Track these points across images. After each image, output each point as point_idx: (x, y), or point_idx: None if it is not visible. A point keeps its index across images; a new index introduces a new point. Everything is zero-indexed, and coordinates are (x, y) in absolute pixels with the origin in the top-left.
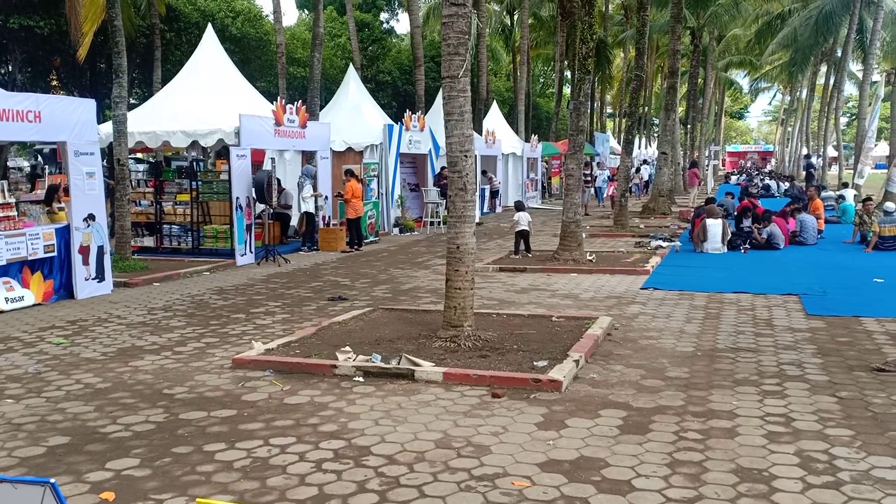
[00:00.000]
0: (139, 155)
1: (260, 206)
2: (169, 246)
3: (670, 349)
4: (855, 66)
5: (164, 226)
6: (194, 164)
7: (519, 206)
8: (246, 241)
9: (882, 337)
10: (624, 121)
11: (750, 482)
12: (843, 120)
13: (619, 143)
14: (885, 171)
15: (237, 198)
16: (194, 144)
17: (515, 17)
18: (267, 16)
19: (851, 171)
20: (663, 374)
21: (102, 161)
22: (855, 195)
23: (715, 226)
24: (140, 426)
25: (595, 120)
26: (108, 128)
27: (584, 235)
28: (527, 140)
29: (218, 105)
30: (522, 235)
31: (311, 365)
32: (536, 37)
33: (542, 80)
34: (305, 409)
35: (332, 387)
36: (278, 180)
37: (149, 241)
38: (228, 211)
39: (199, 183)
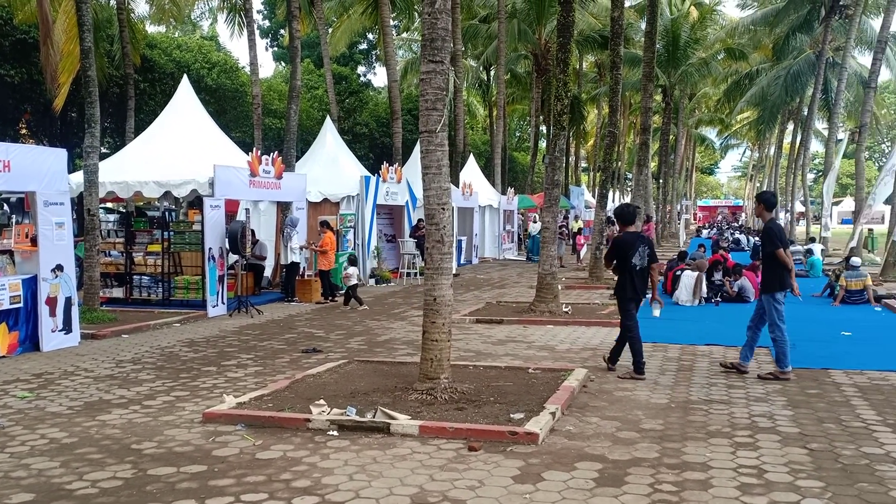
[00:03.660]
0: (109, 205)
1: (233, 257)
2: (139, 297)
3: (645, 401)
4: (821, 125)
5: (134, 276)
6: (166, 214)
7: (352, 261)
8: (218, 292)
9: (851, 389)
10: (598, 175)
11: None
12: (810, 176)
13: (593, 196)
14: (851, 226)
15: (210, 248)
16: (167, 195)
17: (492, 73)
18: (243, 67)
19: (818, 226)
20: (638, 425)
21: (72, 212)
22: (822, 249)
23: (688, 276)
24: (107, 482)
25: (570, 173)
26: (78, 177)
27: (559, 287)
28: (503, 192)
29: (192, 155)
30: (353, 289)
31: (284, 419)
32: (512, 92)
33: (518, 134)
34: (278, 464)
35: (305, 441)
36: (252, 231)
37: (118, 293)
38: (200, 261)
39: (171, 233)
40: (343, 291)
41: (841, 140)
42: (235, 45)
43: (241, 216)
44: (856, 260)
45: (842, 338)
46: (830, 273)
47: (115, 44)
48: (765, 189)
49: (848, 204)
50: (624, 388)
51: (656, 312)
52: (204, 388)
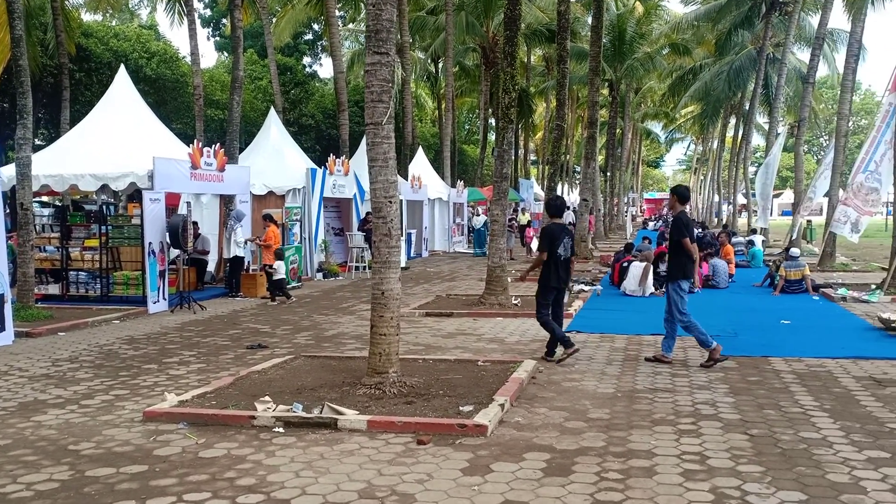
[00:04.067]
0: (44, 199)
1: (174, 252)
2: (76, 293)
3: (592, 391)
4: (762, 119)
5: (71, 272)
6: (104, 208)
7: (279, 255)
8: (159, 288)
9: (789, 376)
10: (547, 168)
11: None
12: (752, 169)
13: (542, 189)
14: (791, 217)
15: (150, 243)
16: (104, 188)
17: (440, 66)
18: (184, 57)
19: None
20: (585, 415)
21: (4, 205)
22: (763, 240)
23: (636, 267)
24: (43, 485)
25: (519, 166)
26: (10, 170)
27: (509, 280)
28: (453, 185)
29: (130, 147)
30: (278, 284)
31: (227, 416)
32: (461, 85)
33: (467, 127)
34: (222, 462)
35: (250, 438)
36: (195, 224)
37: (54, 289)
38: (140, 256)
39: (109, 227)
40: (289, 286)
41: (780, 133)
42: (176, 35)
43: (182, 209)
44: (795, 251)
45: (781, 326)
46: (771, 263)
47: (48, 32)
48: (680, 184)
49: (788, 196)
50: (572, 378)
51: (566, 299)
52: (144, 387)
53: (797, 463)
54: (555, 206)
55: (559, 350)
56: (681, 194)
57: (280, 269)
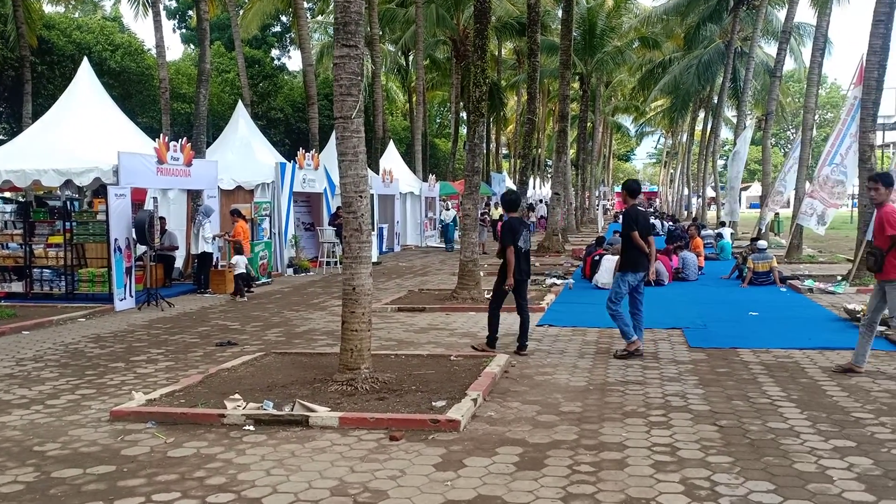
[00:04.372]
0: (7, 194)
1: (141, 248)
2: (40, 291)
3: (564, 384)
4: (730, 112)
5: (35, 270)
6: (68, 203)
7: (238, 251)
8: (126, 285)
9: (758, 367)
10: (519, 161)
11: None
12: (721, 162)
13: (514, 183)
14: (759, 210)
15: (116, 239)
16: (68, 183)
17: (411, 58)
18: (149, 50)
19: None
20: (558, 409)
21: None
22: (732, 233)
23: (610, 261)
24: (7, 487)
25: (491, 160)
26: None
27: (481, 273)
28: (424, 179)
29: (94, 142)
30: (242, 278)
31: (197, 415)
32: (432, 78)
33: (438, 121)
34: (191, 461)
35: (220, 437)
36: (162, 220)
37: (17, 287)
38: (106, 253)
39: (74, 224)
40: (259, 282)
41: (748, 127)
42: (140, 27)
43: (148, 205)
44: (762, 243)
45: (749, 318)
46: (738, 255)
47: (8, 24)
48: (630, 178)
49: (756, 189)
50: (544, 372)
51: (510, 282)
52: (111, 386)
53: (765, 453)
54: (510, 200)
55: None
56: (630, 189)
57: (239, 264)
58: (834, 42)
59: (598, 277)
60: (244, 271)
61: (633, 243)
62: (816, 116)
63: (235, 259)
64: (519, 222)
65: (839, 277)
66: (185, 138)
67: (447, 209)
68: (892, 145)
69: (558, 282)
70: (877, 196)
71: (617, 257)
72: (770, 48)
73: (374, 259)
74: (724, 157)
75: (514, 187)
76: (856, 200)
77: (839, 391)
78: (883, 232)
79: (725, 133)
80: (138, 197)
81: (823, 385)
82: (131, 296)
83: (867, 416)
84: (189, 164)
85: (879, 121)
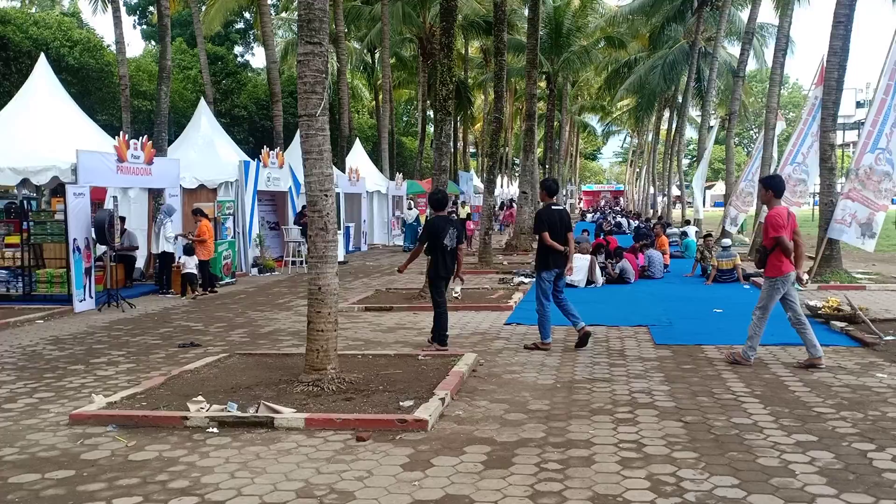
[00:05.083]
0: None
1: (101, 248)
2: None
3: (532, 382)
4: (695, 112)
5: None
6: (25, 202)
7: (188, 250)
8: (85, 286)
9: (722, 363)
10: (486, 160)
11: None
12: (685, 161)
13: (482, 181)
14: (723, 209)
15: (74, 239)
16: (25, 182)
17: (377, 56)
18: (108, 46)
19: (693, 209)
20: (526, 407)
21: None
22: (696, 231)
23: (580, 259)
24: None
25: (459, 159)
26: None
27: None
28: (391, 178)
29: (52, 139)
30: (188, 278)
31: (159, 417)
32: (399, 76)
33: (405, 119)
34: (153, 465)
35: (182, 440)
36: (122, 219)
37: None
38: (65, 253)
39: (31, 223)
40: (223, 282)
41: (713, 126)
42: (100, 22)
43: (108, 204)
44: (726, 241)
45: (714, 315)
46: (697, 252)
47: None
48: (548, 177)
49: (720, 188)
50: (512, 370)
51: (457, 290)
52: (71, 389)
53: (729, 448)
54: (436, 199)
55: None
56: (548, 188)
57: (188, 264)
58: (796, 42)
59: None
60: (193, 271)
61: (544, 243)
62: (779, 117)
63: (184, 259)
64: (445, 221)
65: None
66: (145, 136)
67: (409, 208)
68: (851, 144)
69: (526, 280)
70: (763, 198)
71: (588, 257)
72: (733, 48)
73: (341, 258)
74: (689, 157)
75: (481, 186)
76: (817, 199)
77: (801, 386)
78: (767, 234)
79: (690, 132)
80: (98, 196)
81: (786, 380)
82: (91, 297)
83: (828, 411)
84: (150, 162)
85: (839, 120)
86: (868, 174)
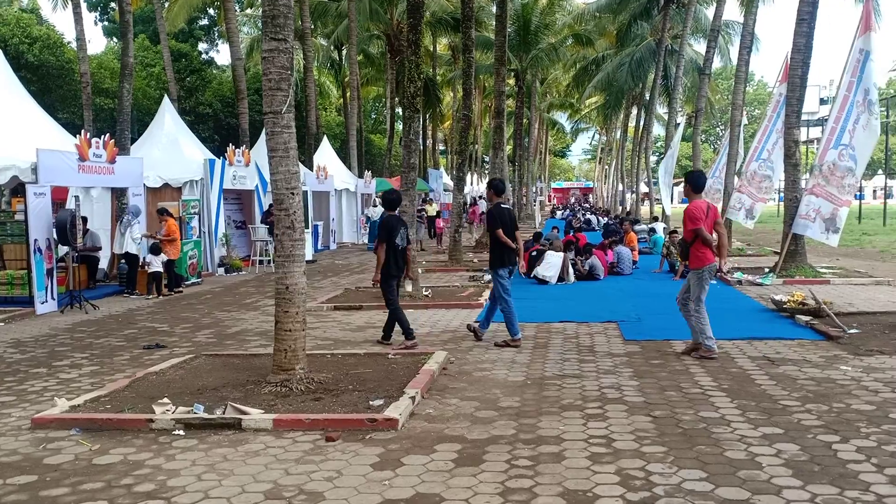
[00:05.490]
0: None
1: (63, 249)
2: None
3: (503, 380)
4: (662, 109)
5: None
6: None
7: (154, 250)
8: (47, 288)
9: (689, 358)
10: (455, 157)
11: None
12: (653, 158)
13: (452, 179)
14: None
15: (35, 240)
16: None
17: (344, 53)
18: (69, 43)
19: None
20: (496, 404)
21: None
22: (664, 227)
23: (555, 256)
24: None
25: (428, 156)
26: None
27: (420, 271)
28: (360, 176)
29: (12, 139)
30: (155, 277)
31: (123, 420)
32: (367, 73)
33: (374, 116)
34: (118, 468)
35: (148, 443)
36: (84, 220)
37: None
38: (26, 255)
39: None
40: (189, 282)
41: (679, 123)
42: (60, 19)
43: (70, 204)
44: None
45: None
46: (664, 248)
47: None
48: (495, 177)
49: None
50: (482, 368)
51: (409, 288)
52: (33, 392)
53: (697, 442)
54: (390, 200)
55: (398, 341)
56: (496, 187)
57: (154, 263)
58: (761, 40)
59: (541, 270)
60: (160, 270)
61: (499, 241)
62: (744, 113)
63: (150, 258)
64: (397, 220)
65: (766, 269)
66: (108, 134)
67: (374, 206)
68: (815, 141)
69: None
70: (685, 194)
71: (562, 254)
72: (699, 46)
73: (309, 257)
74: (657, 154)
75: (451, 183)
76: (782, 194)
77: (767, 380)
78: (686, 227)
79: (658, 129)
80: (59, 195)
81: (752, 374)
82: (53, 298)
83: (794, 404)
84: (112, 161)
85: (804, 117)
86: (832, 170)
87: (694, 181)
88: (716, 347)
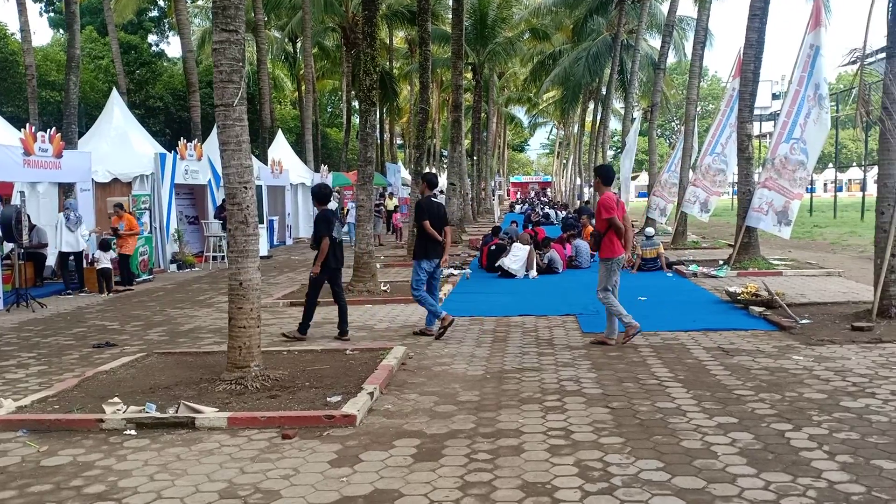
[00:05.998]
0: None
1: (8, 246)
2: None
3: (462, 374)
4: (618, 104)
5: None
6: None
7: (103, 246)
8: None
9: (647, 350)
10: (413, 152)
11: (535, 496)
12: (610, 153)
13: (410, 173)
14: (647, 199)
15: None
16: None
17: (298, 46)
18: (13, 34)
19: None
20: (455, 398)
21: None
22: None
23: (521, 249)
24: None
25: (386, 150)
26: None
27: (378, 266)
28: (316, 170)
29: None
30: (104, 274)
31: (72, 421)
32: (322, 66)
33: (330, 110)
34: (67, 470)
35: (98, 443)
36: (29, 216)
37: None
38: None
39: None
40: (140, 279)
41: (636, 118)
42: (3, 10)
43: (15, 200)
44: (649, 230)
45: (638, 303)
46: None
47: None
48: (429, 172)
49: (644, 178)
50: (442, 362)
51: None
52: None
53: (654, 432)
54: (322, 194)
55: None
56: (429, 181)
57: (103, 259)
58: (714, 35)
59: (507, 262)
60: (109, 265)
61: (425, 232)
62: (698, 108)
63: (98, 254)
64: (332, 214)
65: (721, 262)
66: (54, 128)
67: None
68: (768, 135)
69: (455, 272)
70: (595, 187)
71: (528, 247)
72: (655, 41)
73: (264, 252)
74: (614, 148)
75: (409, 177)
76: (736, 188)
77: (722, 370)
78: (600, 216)
79: (614, 124)
80: (4, 191)
81: (707, 365)
82: None
83: (748, 394)
84: (59, 155)
85: (756, 111)
86: (783, 163)
87: (604, 174)
88: (635, 323)
